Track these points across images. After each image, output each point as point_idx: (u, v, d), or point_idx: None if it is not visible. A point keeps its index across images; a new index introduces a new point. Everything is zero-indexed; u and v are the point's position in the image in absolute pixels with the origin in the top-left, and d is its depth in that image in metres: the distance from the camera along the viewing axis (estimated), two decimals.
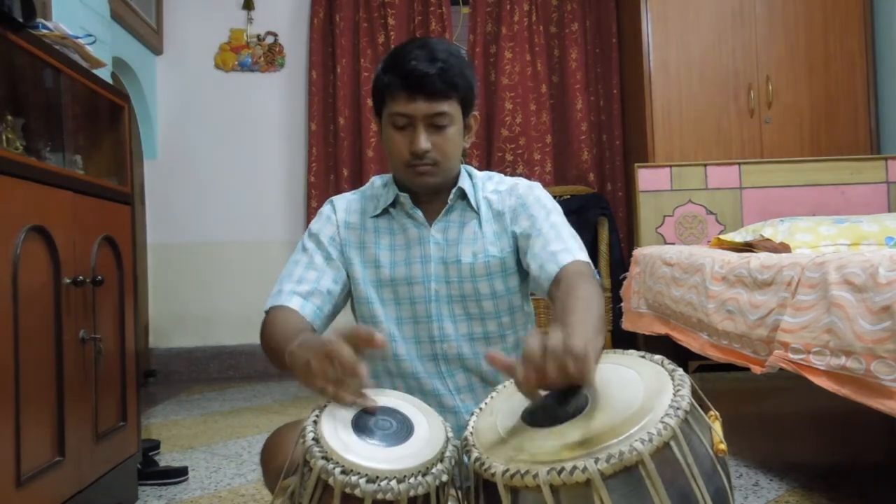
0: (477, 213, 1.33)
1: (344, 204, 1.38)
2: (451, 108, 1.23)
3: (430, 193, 1.32)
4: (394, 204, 1.34)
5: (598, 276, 1.23)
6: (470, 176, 1.36)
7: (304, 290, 1.28)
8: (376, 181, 1.40)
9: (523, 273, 1.33)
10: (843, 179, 3.30)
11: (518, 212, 1.32)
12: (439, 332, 1.30)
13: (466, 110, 1.28)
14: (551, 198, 1.36)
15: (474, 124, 1.33)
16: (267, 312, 1.28)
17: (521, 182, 1.37)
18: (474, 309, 1.30)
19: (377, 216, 1.34)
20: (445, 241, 1.31)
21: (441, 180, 1.29)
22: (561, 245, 1.24)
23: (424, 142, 1.23)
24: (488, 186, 1.36)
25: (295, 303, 1.26)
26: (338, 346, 0.95)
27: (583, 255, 1.24)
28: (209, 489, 2.11)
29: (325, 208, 1.39)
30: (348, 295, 1.35)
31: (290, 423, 1.20)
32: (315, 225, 1.37)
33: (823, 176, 3.31)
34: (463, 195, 1.33)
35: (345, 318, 1.38)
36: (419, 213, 1.32)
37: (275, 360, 1.17)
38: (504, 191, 1.35)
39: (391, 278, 1.31)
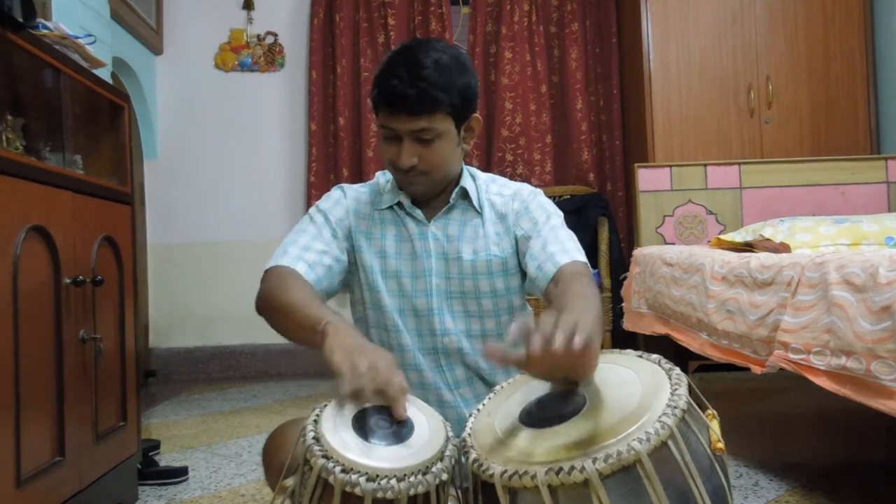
0: (479, 212, 1.34)
1: (354, 193, 1.39)
2: (436, 122, 1.21)
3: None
4: (397, 203, 1.35)
5: (595, 278, 1.24)
6: (473, 177, 1.38)
7: (310, 258, 1.27)
8: (381, 178, 1.41)
9: (524, 274, 1.34)
10: (843, 179, 3.30)
11: (521, 215, 1.33)
12: (440, 326, 1.30)
13: (462, 117, 1.26)
14: (553, 204, 1.38)
15: (476, 126, 1.32)
16: (269, 270, 1.26)
17: (525, 187, 1.39)
18: (473, 306, 1.31)
19: (383, 209, 1.35)
20: (445, 237, 1.32)
21: (433, 188, 1.30)
22: (559, 246, 1.26)
23: (408, 158, 1.23)
24: (492, 188, 1.38)
25: (301, 268, 1.25)
26: (384, 369, 0.97)
27: (580, 255, 1.26)
28: (209, 489, 2.11)
29: (335, 192, 1.39)
30: (343, 281, 1.35)
31: (292, 420, 1.19)
32: (324, 203, 1.37)
33: (823, 176, 3.31)
34: (465, 195, 1.34)
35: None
36: (418, 212, 1.33)
37: (285, 320, 1.15)
38: (508, 195, 1.37)
39: (396, 270, 1.32)
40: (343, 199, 1.37)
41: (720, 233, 3.09)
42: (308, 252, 1.28)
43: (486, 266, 1.30)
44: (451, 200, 1.33)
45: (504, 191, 1.38)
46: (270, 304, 1.19)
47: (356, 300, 1.38)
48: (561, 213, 1.36)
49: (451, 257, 1.31)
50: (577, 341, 0.83)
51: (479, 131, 1.35)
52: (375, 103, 1.24)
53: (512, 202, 1.35)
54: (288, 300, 1.16)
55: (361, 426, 0.93)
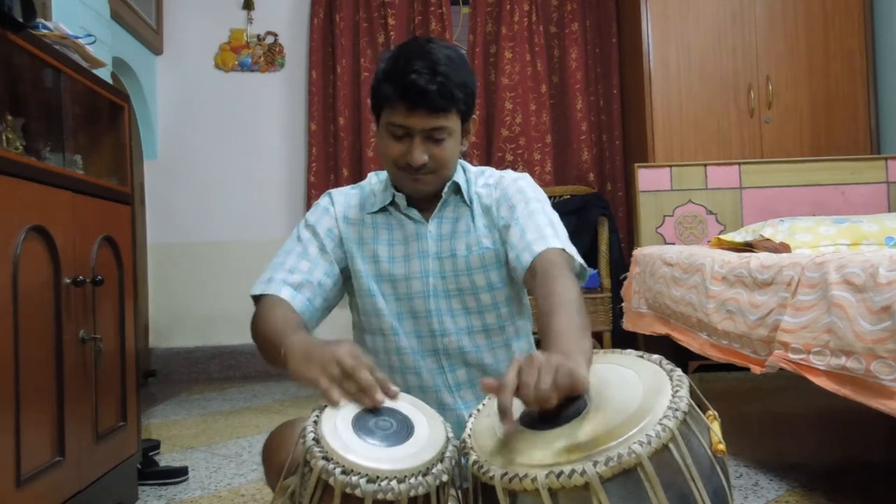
0: (470, 206, 1.33)
1: (342, 198, 1.38)
2: (450, 121, 1.22)
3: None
4: (391, 203, 1.34)
5: (595, 278, 1.24)
6: (464, 170, 1.37)
7: (295, 280, 1.27)
8: (373, 178, 1.40)
9: None
10: (843, 179, 3.30)
11: (501, 203, 1.32)
12: (439, 327, 1.30)
13: (466, 118, 1.27)
14: (536, 187, 1.35)
15: (472, 127, 1.32)
16: (257, 300, 1.27)
17: (507, 174, 1.37)
18: (472, 302, 1.30)
19: (375, 213, 1.34)
20: (441, 235, 1.31)
21: (437, 186, 1.30)
22: (536, 233, 1.23)
23: (421, 155, 1.22)
24: (479, 181, 1.36)
25: (285, 293, 1.25)
26: (344, 354, 0.97)
27: (557, 241, 1.22)
28: (209, 489, 2.11)
29: (323, 200, 1.38)
30: (341, 290, 1.35)
31: (291, 420, 1.19)
32: (312, 216, 1.36)
33: (823, 176, 3.31)
34: (457, 189, 1.33)
35: (344, 321, 1.38)
36: (415, 212, 1.32)
37: (266, 351, 1.16)
38: (492, 184, 1.35)
39: (390, 273, 1.31)
40: (331, 206, 1.36)
41: (720, 233, 3.09)
42: (293, 274, 1.28)
43: (479, 260, 1.29)
44: (443, 195, 1.31)
45: (489, 181, 1.36)
46: (255, 337, 1.22)
47: (352, 306, 1.38)
48: (543, 197, 1.33)
49: (445, 255, 1.30)
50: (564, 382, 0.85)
51: (474, 132, 1.35)
52: (387, 99, 1.21)
53: (494, 191, 1.33)
54: (263, 332, 1.19)
55: (361, 427, 0.93)
